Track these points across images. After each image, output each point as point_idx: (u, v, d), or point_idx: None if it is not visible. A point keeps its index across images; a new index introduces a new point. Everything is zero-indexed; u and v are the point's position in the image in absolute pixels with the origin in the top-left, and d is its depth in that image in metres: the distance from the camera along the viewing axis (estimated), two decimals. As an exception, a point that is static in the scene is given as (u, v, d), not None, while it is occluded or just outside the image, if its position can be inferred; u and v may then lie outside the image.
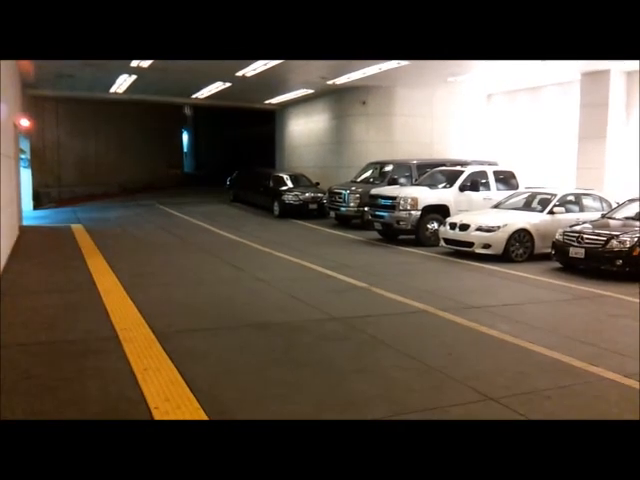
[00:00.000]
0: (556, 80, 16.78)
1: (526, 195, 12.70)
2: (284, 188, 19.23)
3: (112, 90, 20.58)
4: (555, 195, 11.73)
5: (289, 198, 18.50)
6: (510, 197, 12.72)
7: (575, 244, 9.79)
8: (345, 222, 16.71)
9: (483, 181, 13.63)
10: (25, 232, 13.79)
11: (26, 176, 18.62)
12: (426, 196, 13.18)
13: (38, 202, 20.69)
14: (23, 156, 18.01)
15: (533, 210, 11.87)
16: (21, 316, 6.50)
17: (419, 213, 12.92)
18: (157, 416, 3.94)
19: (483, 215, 11.75)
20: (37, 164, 22.27)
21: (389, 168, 16.64)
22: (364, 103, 19.52)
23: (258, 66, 15.51)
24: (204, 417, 3.95)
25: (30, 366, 4.94)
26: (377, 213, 13.73)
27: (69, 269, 9.37)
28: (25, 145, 18.85)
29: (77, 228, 14.80)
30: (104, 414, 4.00)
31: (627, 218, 10.41)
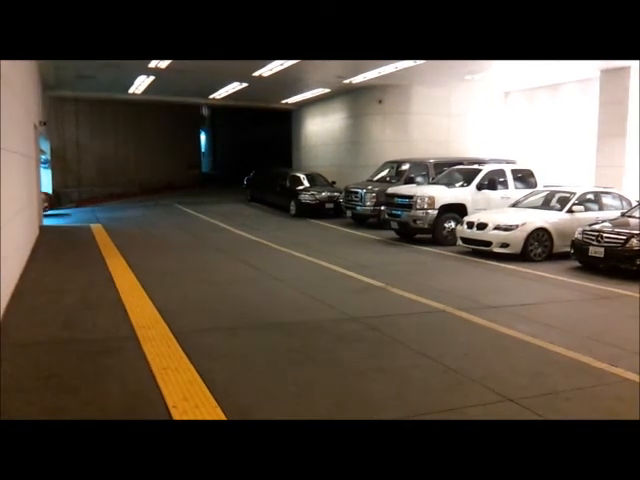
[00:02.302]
0: (575, 77, 16.61)
1: (545, 194, 12.60)
2: (300, 187, 19.26)
3: (131, 91, 20.76)
4: (574, 194, 11.62)
5: (306, 197, 18.53)
6: (528, 196, 12.62)
7: (594, 243, 9.69)
8: (361, 221, 16.69)
9: (501, 180, 13.55)
10: (45, 232, 13.96)
11: (46, 176, 18.85)
12: (443, 195, 13.13)
13: (58, 202, 20.92)
14: (43, 156, 18.26)
15: (552, 209, 11.76)
16: (41, 315, 6.58)
17: (436, 212, 12.87)
18: (175, 415, 3.97)
19: (501, 214, 11.67)
20: (57, 164, 22.55)
21: (406, 167, 16.59)
22: (380, 102, 19.48)
23: (275, 66, 15.55)
24: (222, 416, 3.97)
25: (50, 365, 5.00)
26: (394, 212, 13.70)
27: (88, 268, 9.46)
28: (45, 146, 19.08)
29: (96, 228, 14.94)
30: (123, 413, 4.04)
31: (648, 217, 10.28)
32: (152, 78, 18.09)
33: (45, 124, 18.11)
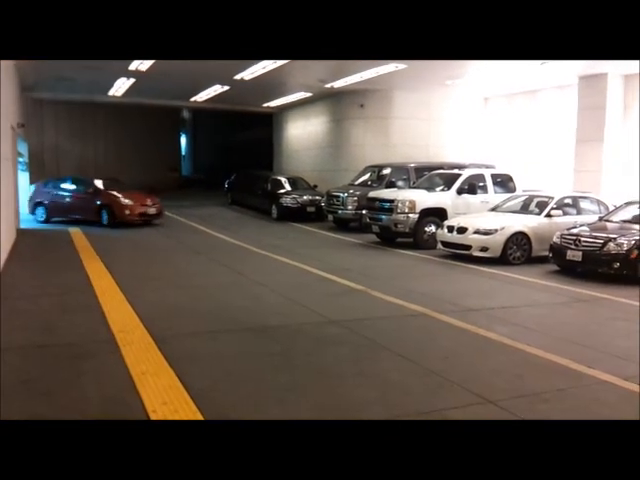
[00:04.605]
0: (554, 83, 16.83)
1: (524, 198, 12.73)
2: (282, 191, 19.25)
3: (110, 93, 20.59)
4: (552, 198, 11.77)
5: (287, 201, 18.53)
6: (508, 200, 12.74)
7: (572, 247, 9.81)
8: (343, 225, 16.72)
9: (481, 184, 13.66)
10: (23, 235, 13.77)
11: (24, 179, 18.59)
12: (424, 199, 13.21)
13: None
14: (21, 159, 18.00)
15: (531, 213, 11.90)
16: (19, 319, 6.49)
17: (417, 216, 12.94)
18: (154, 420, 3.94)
19: (481, 218, 11.77)
20: (35, 167, 22.25)
21: (387, 171, 16.68)
22: (362, 106, 19.55)
23: (256, 69, 15.52)
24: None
25: (28, 369, 4.93)
26: (375, 216, 13.75)
27: (66, 272, 9.37)
28: (23, 148, 18.83)
29: (75, 231, 14.79)
30: (101, 418, 3.99)
31: (624, 221, 10.43)
32: (132, 80, 17.96)
33: (23, 126, 17.88)
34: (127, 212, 15.69)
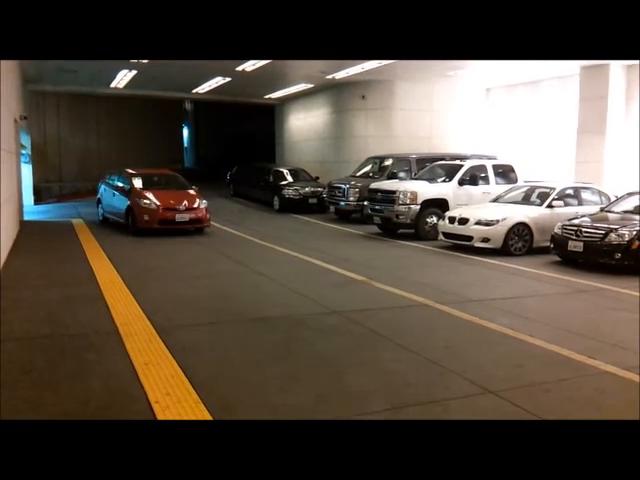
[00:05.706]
0: (555, 74, 16.76)
1: (525, 189, 12.72)
2: (284, 183, 19.25)
3: (112, 85, 20.57)
4: (554, 189, 11.76)
5: (289, 193, 18.53)
6: (509, 191, 12.73)
7: (574, 238, 9.81)
8: (345, 216, 16.74)
9: (482, 175, 13.66)
10: (26, 227, 13.82)
11: (27, 171, 18.64)
12: (425, 190, 13.21)
13: (39, 197, 20.71)
14: (24, 151, 18.01)
15: (532, 204, 11.89)
16: (22, 310, 6.53)
17: (418, 207, 12.96)
18: (157, 410, 3.97)
19: (482, 209, 11.77)
20: (38, 159, 22.30)
21: (388, 162, 16.67)
22: (363, 97, 19.51)
23: (257, 61, 15.50)
24: (204, 411, 3.98)
25: (31, 360, 4.97)
26: (376, 207, 13.76)
27: (70, 264, 9.40)
28: (26, 140, 18.84)
29: (78, 223, 14.83)
30: (105, 409, 4.03)
31: (626, 212, 10.44)
32: (134, 72, 17.95)
33: (26, 118, 17.89)
34: (146, 217, 12.64)
